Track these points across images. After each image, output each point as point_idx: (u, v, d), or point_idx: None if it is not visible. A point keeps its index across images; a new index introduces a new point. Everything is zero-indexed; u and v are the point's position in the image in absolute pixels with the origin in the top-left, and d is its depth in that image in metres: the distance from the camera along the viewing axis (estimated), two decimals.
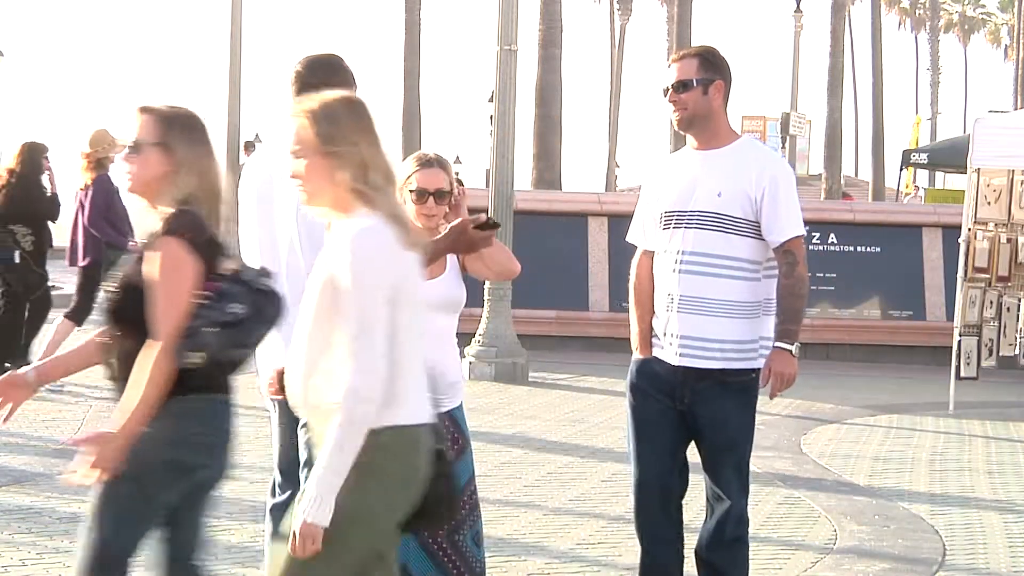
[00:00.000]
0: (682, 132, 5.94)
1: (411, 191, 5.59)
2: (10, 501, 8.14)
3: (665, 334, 5.85)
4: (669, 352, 5.85)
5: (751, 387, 5.84)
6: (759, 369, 5.80)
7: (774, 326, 5.79)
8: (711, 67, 5.87)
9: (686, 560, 6.03)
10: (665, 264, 5.86)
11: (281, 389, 4.77)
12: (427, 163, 5.65)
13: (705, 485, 5.93)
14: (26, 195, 13.24)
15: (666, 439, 5.92)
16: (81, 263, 12.90)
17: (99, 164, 12.90)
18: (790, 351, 5.71)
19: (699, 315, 5.77)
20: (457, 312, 5.67)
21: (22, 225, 13.18)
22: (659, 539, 5.97)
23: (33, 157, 13.38)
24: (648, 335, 5.94)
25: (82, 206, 12.91)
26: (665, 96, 5.88)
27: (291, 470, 5.22)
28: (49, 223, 13.54)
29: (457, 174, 15.81)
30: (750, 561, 5.98)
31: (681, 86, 5.83)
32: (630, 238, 6.10)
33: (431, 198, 5.57)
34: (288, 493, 5.25)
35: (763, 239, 5.79)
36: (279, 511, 5.28)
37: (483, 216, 5.24)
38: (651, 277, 5.94)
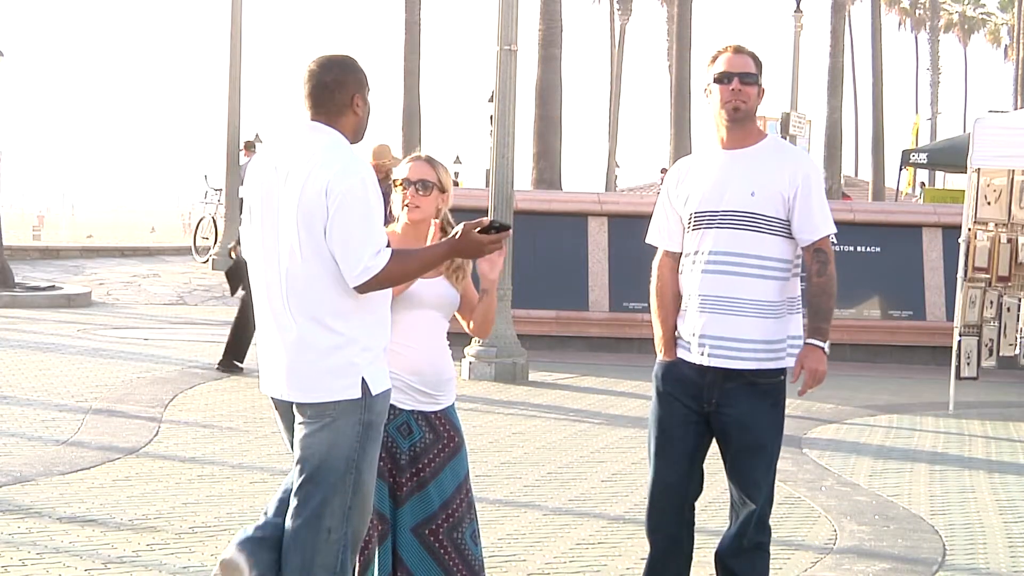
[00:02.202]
0: (730, 123, 5.78)
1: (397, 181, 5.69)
2: (10, 501, 8.14)
3: (693, 335, 5.78)
4: (697, 353, 5.78)
5: (779, 388, 5.78)
6: (787, 369, 5.78)
7: (806, 323, 5.75)
8: (761, 73, 5.86)
9: (707, 564, 6.01)
10: (694, 265, 5.80)
11: None
12: (415, 158, 5.77)
13: (730, 490, 5.88)
14: None
15: (688, 444, 5.87)
16: None
17: (387, 175, 13.35)
18: (823, 348, 5.68)
19: (729, 315, 5.70)
20: (451, 312, 5.70)
21: None
22: (669, 537, 5.94)
23: None
24: (672, 337, 5.88)
25: None
26: (726, 83, 5.75)
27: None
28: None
29: (456, 175, 15.89)
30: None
31: (750, 77, 5.78)
32: (650, 239, 6.00)
33: (412, 187, 5.65)
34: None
35: (792, 238, 5.76)
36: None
37: (486, 220, 5.13)
38: (674, 278, 5.87)
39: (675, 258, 5.90)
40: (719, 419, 5.78)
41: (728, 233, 5.72)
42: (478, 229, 5.06)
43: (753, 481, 5.78)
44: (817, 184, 5.78)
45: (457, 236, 5.08)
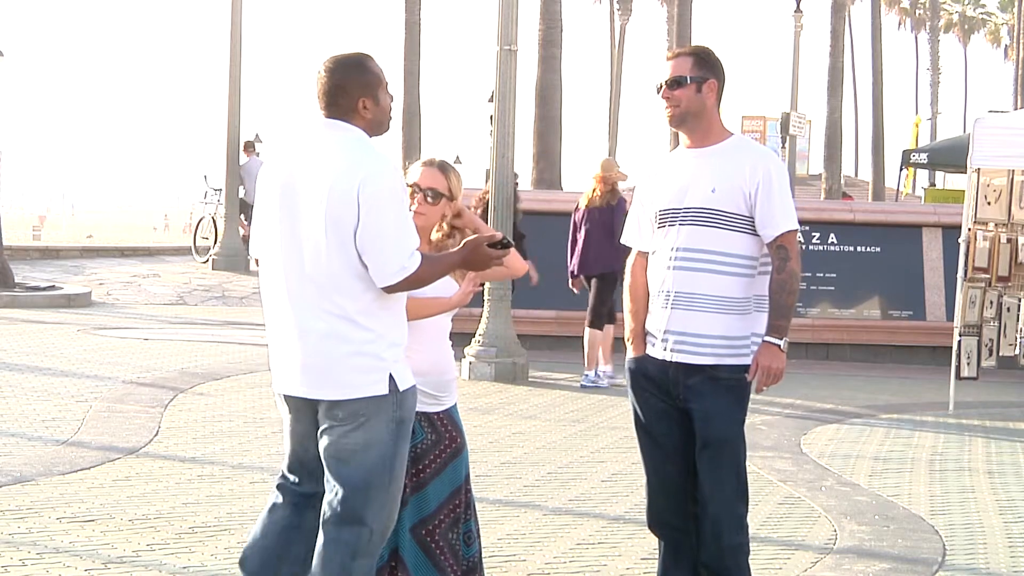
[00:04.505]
0: (674, 129, 5.97)
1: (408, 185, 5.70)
2: (10, 501, 8.14)
3: (659, 331, 5.86)
4: (660, 349, 5.85)
5: (742, 385, 5.82)
6: (749, 366, 5.81)
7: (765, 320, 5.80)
8: (705, 66, 5.89)
9: None
10: (660, 262, 5.88)
11: None
12: (428, 163, 5.75)
13: (698, 488, 5.89)
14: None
15: (673, 439, 5.89)
16: (595, 273, 14.65)
17: (614, 188, 14.88)
18: (779, 346, 5.71)
19: (691, 311, 5.77)
20: (454, 312, 5.71)
21: None
22: (676, 530, 5.95)
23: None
24: (642, 333, 5.95)
25: (594, 224, 14.60)
26: (658, 93, 5.90)
27: (300, 470, 5.27)
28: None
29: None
30: (750, 562, 5.95)
31: (674, 83, 5.85)
32: (624, 240, 6.12)
33: (420, 194, 5.65)
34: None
35: (757, 235, 5.80)
36: (282, 509, 5.29)
37: (499, 235, 5.30)
38: (645, 277, 5.96)
39: (647, 257, 5.99)
40: (688, 414, 5.82)
41: (690, 230, 5.80)
42: (488, 244, 5.20)
43: (719, 479, 5.79)
44: (779, 181, 5.81)
45: (470, 248, 5.19)
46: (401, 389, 5.09)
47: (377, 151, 5.11)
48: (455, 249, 5.30)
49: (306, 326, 5.07)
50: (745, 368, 5.78)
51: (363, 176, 4.99)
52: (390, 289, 5.03)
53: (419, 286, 5.13)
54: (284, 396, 5.24)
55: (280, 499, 5.31)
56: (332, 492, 5.10)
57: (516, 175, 16.39)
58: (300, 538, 5.21)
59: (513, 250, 5.67)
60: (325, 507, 5.12)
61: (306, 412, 5.19)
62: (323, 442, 5.12)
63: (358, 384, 5.04)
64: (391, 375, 5.06)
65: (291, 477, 5.31)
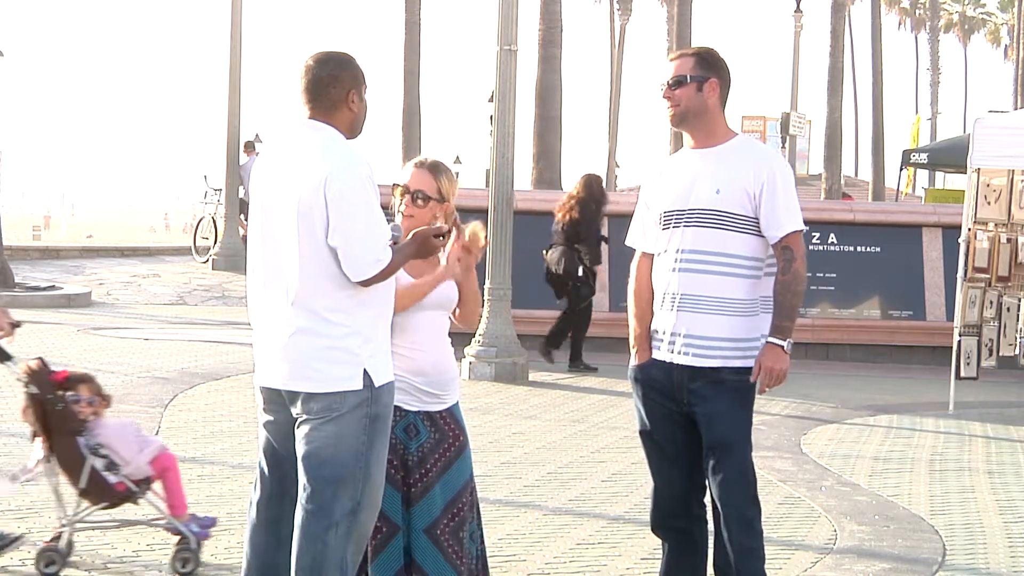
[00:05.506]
0: (675, 128, 5.96)
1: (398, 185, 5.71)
2: (10, 501, 8.14)
3: (664, 333, 5.83)
4: (667, 351, 5.83)
5: (747, 386, 5.80)
6: None
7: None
8: (707, 66, 5.88)
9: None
10: (664, 264, 5.85)
11: None
12: (419, 164, 5.76)
13: (710, 491, 5.88)
14: (588, 219, 15.67)
15: (677, 441, 5.88)
16: None
17: None
18: (782, 347, 5.70)
19: (697, 313, 5.75)
20: (451, 310, 5.72)
21: (583, 245, 15.65)
22: (678, 532, 5.94)
23: (592, 185, 15.87)
24: (647, 338, 5.92)
25: None
26: (660, 93, 5.90)
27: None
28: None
29: (456, 174, 16.06)
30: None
31: (675, 83, 5.85)
32: (629, 241, 6.07)
33: (408, 196, 5.65)
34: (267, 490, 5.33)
35: (762, 236, 5.78)
36: (262, 506, 5.33)
37: (444, 227, 5.43)
38: (650, 279, 5.93)
39: (652, 259, 5.96)
40: (692, 418, 5.81)
41: (695, 231, 5.78)
42: (435, 234, 5.34)
43: (726, 481, 5.76)
44: (784, 181, 5.79)
45: (417, 239, 5.30)
46: (377, 385, 5.13)
47: (346, 147, 5.18)
48: (408, 240, 5.37)
49: (282, 322, 5.14)
50: (750, 370, 5.77)
51: (327, 173, 5.05)
52: (367, 282, 5.10)
53: (388, 277, 5.19)
54: (262, 389, 5.30)
55: (255, 518, 5.35)
56: (303, 487, 5.15)
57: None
58: (286, 552, 5.23)
59: (473, 272, 5.72)
60: (299, 500, 5.17)
61: (283, 406, 5.24)
62: (298, 434, 5.18)
63: (334, 378, 5.10)
64: (365, 370, 5.11)
65: (261, 485, 5.35)
